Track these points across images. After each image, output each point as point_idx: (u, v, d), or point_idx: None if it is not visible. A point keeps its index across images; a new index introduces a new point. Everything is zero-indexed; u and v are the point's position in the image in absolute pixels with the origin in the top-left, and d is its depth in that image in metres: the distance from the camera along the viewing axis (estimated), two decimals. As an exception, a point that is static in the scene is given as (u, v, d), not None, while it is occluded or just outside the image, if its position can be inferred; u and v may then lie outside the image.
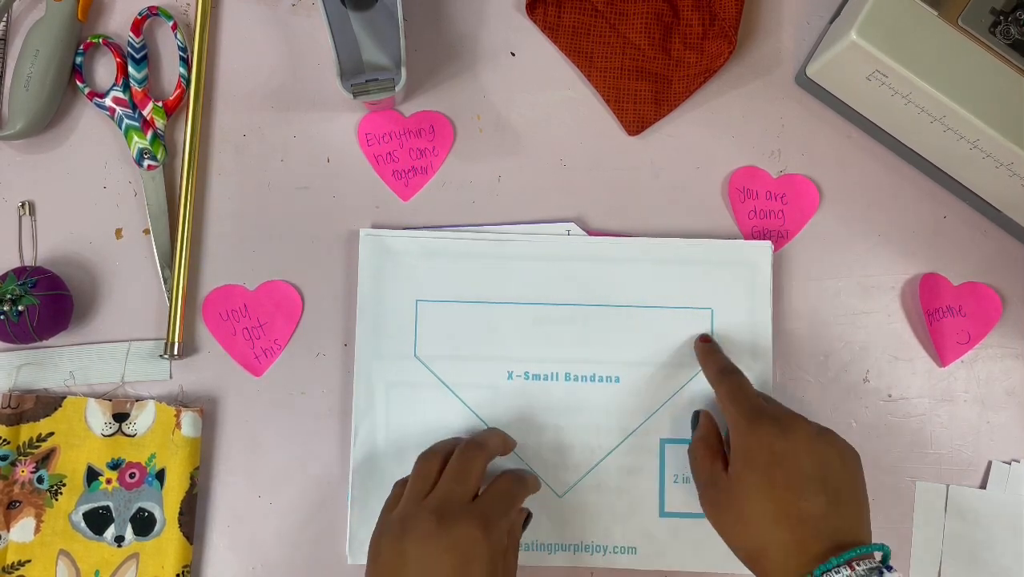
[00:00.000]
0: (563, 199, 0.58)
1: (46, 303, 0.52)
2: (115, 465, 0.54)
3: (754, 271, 0.57)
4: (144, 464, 0.54)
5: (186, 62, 0.57)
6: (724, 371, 0.53)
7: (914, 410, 0.57)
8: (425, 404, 0.55)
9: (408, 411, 0.55)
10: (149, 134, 0.56)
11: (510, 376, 0.56)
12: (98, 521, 0.54)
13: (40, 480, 0.54)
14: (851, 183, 0.58)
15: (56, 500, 0.54)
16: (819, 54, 0.55)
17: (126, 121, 0.56)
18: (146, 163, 0.56)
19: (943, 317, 0.57)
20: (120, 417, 0.55)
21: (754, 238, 0.58)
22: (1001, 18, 0.50)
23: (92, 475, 0.54)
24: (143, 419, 0.55)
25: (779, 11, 0.60)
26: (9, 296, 0.52)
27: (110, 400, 0.55)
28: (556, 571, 0.55)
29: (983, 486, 0.57)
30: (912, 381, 0.57)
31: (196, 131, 0.57)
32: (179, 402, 0.56)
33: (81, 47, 0.57)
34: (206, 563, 0.55)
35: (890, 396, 0.57)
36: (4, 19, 0.57)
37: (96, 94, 0.56)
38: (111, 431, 0.54)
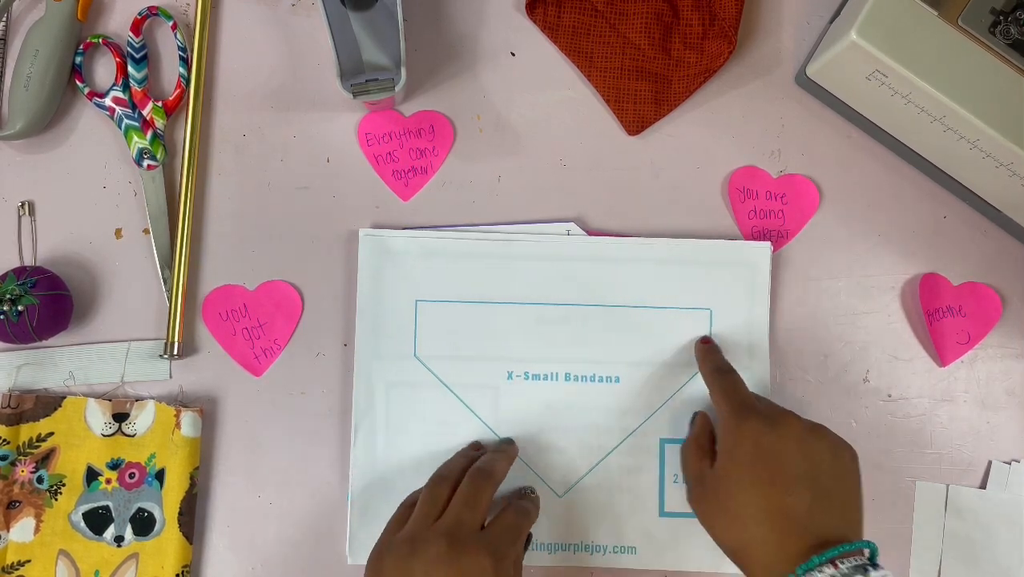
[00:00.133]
0: (563, 199, 0.58)
1: (46, 303, 0.52)
2: (115, 465, 0.54)
3: (754, 271, 0.57)
4: (144, 464, 0.54)
5: (186, 62, 0.57)
6: (719, 370, 0.53)
7: (914, 410, 0.57)
8: (425, 404, 0.55)
9: (408, 411, 0.55)
10: (149, 134, 0.56)
11: (510, 376, 0.56)
12: (98, 521, 0.54)
13: (40, 480, 0.54)
14: (851, 183, 0.58)
15: (56, 500, 0.54)
16: (819, 54, 0.55)
17: (126, 121, 0.56)
18: (146, 163, 0.56)
19: (943, 317, 0.57)
20: (120, 417, 0.55)
21: (754, 238, 0.58)
22: (1001, 18, 0.50)
23: (92, 475, 0.54)
24: (143, 419, 0.55)
25: (779, 11, 0.60)
26: (9, 296, 0.52)
27: (110, 400, 0.55)
28: (556, 571, 0.55)
29: (983, 486, 0.57)
30: (912, 381, 0.57)
31: (196, 131, 0.57)
32: (179, 402, 0.55)
33: (81, 47, 0.57)
34: (206, 563, 0.55)
35: (890, 396, 0.57)
36: (4, 19, 0.57)
37: (96, 94, 0.56)
38: (111, 431, 0.54)
